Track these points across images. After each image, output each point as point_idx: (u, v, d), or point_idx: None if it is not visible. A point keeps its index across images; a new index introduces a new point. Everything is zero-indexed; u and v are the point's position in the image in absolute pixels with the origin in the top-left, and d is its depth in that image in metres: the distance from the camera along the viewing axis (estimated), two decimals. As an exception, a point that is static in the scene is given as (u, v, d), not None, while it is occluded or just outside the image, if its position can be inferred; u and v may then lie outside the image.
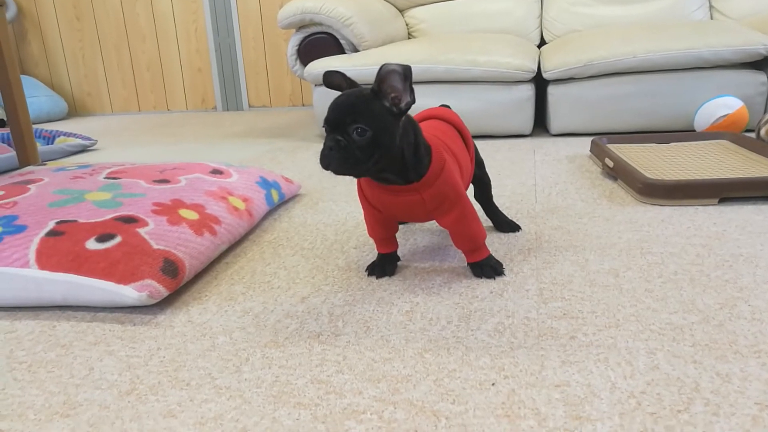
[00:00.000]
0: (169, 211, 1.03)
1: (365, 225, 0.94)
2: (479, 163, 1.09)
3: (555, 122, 2.06)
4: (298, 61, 2.30)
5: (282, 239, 1.15)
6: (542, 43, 2.64)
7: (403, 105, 0.79)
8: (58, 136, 2.21)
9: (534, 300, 0.83)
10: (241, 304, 0.87)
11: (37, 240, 0.91)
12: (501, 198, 1.33)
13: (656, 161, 1.48)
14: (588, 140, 1.98)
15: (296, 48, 2.28)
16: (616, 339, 0.72)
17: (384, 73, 0.78)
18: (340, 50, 2.28)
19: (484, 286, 0.88)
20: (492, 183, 1.13)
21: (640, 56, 1.91)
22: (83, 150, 2.32)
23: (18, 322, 0.85)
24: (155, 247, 0.91)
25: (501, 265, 0.93)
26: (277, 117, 3.08)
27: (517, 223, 1.13)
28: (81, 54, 3.58)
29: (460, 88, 2.07)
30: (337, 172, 0.79)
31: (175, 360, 0.72)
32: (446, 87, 2.08)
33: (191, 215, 1.04)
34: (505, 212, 1.19)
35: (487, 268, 0.91)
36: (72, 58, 3.60)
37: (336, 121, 0.78)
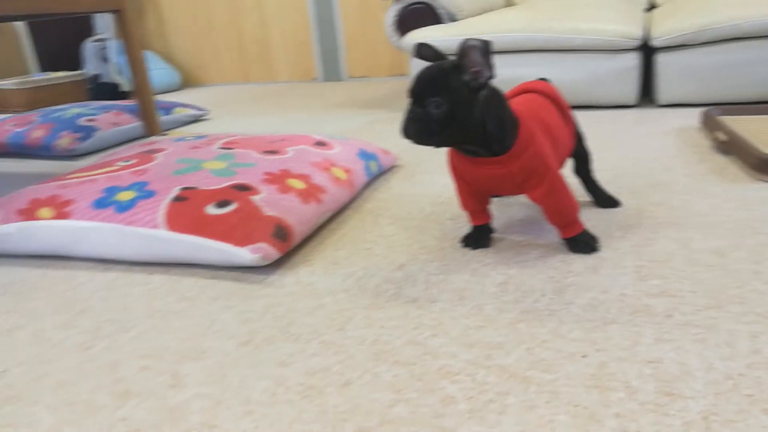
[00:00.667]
0: (279, 180, 1.11)
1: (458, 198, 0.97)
2: (579, 137, 1.09)
3: (663, 92, 1.96)
4: (396, 31, 2.32)
5: (381, 209, 1.20)
6: (651, 8, 2.50)
7: (482, 79, 0.81)
8: (175, 107, 2.38)
9: (630, 277, 0.83)
10: (344, 268, 0.93)
11: (165, 204, 1.02)
12: (601, 172, 1.31)
13: (775, 135, 1.39)
14: (698, 111, 1.87)
15: (395, 18, 2.30)
16: (716, 320, 0.71)
17: (465, 48, 0.80)
18: (438, 20, 2.27)
19: (580, 261, 0.89)
20: (592, 157, 1.12)
21: (762, 19, 1.77)
22: (196, 120, 2.49)
23: (152, 275, 0.97)
24: (267, 213, 0.99)
25: (596, 240, 0.93)
26: (376, 87, 3.13)
27: (617, 198, 1.12)
28: (193, 29, 3.80)
29: (562, 57, 2.02)
30: (415, 141, 0.83)
31: (286, 317, 0.80)
32: (546, 56, 2.03)
33: (299, 184, 1.11)
34: (605, 187, 1.18)
35: (582, 243, 0.92)
36: (185, 32, 3.82)
37: (416, 93, 0.82)
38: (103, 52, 3.69)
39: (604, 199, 1.11)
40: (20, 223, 1.06)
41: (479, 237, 0.98)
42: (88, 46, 3.48)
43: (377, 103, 2.56)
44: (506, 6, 2.69)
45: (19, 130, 2.03)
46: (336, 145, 1.36)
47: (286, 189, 1.08)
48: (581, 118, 1.89)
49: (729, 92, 1.89)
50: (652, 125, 1.74)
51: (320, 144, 1.35)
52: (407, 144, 1.74)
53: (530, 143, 0.87)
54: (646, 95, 2.19)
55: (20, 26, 3.57)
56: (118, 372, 0.70)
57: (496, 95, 0.86)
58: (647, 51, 2.04)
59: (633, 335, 0.69)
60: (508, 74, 2.04)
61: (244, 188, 1.06)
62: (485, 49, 0.79)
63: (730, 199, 1.09)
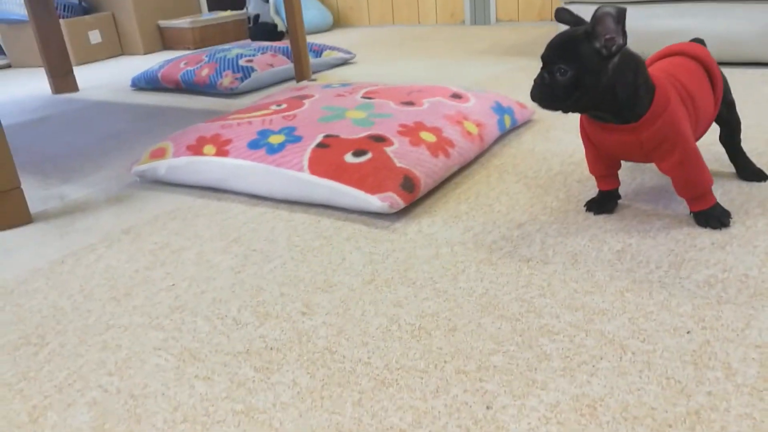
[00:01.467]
0: (412, 132, 1.17)
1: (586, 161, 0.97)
2: (729, 104, 1.02)
3: None
4: (548, -23, 2.23)
5: (508, 165, 1.22)
6: None
7: (614, 47, 0.81)
8: (325, 50, 2.51)
9: (760, 258, 0.80)
10: (464, 222, 0.99)
11: (309, 149, 1.13)
12: (752, 141, 1.22)
13: None
14: None
15: (548, -37, 2.20)
16: None
17: (598, 16, 0.80)
18: (596, -36, 2.14)
19: (706, 236, 0.87)
20: (745, 124, 1.05)
21: None
22: (345, 63, 2.60)
23: (294, 213, 1.09)
24: (398, 165, 1.07)
25: (728, 215, 0.89)
26: (524, 32, 3.03)
27: (764, 171, 1.04)
28: (347, -31, 3.88)
29: (732, 6, 1.83)
30: (540, 105, 0.86)
31: (406, 262, 0.88)
32: (713, 5, 1.85)
33: (430, 137, 1.17)
34: (754, 159, 1.11)
35: (712, 218, 0.89)
36: (339, -28, 3.92)
37: (545, 59, 0.85)
38: (263, -7, 3.91)
39: (749, 172, 1.05)
40: (188, 157, 1.23)
41: (604, 202, 0.98)
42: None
43: (522, 50, 2.50)
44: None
45: (190, 68, 2.27)
46: (471, 98, 1.39)
47: (417, 141, 1.14)
48: (746, 77, 1.73)
49: None
50: (832, 89, 1.55)
51: (456, 96, 1.38)
52: (546, 98, 1.71)
53: (663, 112, 0.85)
54: (833, 52, 1.92)
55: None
56: (261, 296, 0.83)
57: (630, 62, 0.84)
58: (840, 0, 1.78)
59: (746, 318, 0.68)
60: (670, 25, 1.90)
61: (379, 139, 1.14)
62: (619, 16, 0.79)
63: None
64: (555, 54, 0.84)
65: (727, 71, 1.36)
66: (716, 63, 0.98)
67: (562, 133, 1.38)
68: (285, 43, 2.48)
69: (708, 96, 0.96)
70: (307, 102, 1.38)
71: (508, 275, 0.82)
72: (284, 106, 1.37)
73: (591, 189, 1.06)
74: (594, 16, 0.80)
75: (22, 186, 1.16)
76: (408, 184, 1.04)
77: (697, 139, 0.96)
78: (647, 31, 1.95)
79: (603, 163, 0.97)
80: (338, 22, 4.06)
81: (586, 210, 0.99)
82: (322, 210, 1.09)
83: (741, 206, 0.95)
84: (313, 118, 1.26)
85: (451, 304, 0.76)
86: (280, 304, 0.80)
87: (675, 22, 1.91)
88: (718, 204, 0.90)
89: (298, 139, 1.17)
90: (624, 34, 0.80)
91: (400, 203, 1.01)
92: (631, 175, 1.10)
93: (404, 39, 3.18)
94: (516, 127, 1.45)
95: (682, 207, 0.96)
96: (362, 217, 1.04)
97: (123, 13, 3.59)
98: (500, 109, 1.39)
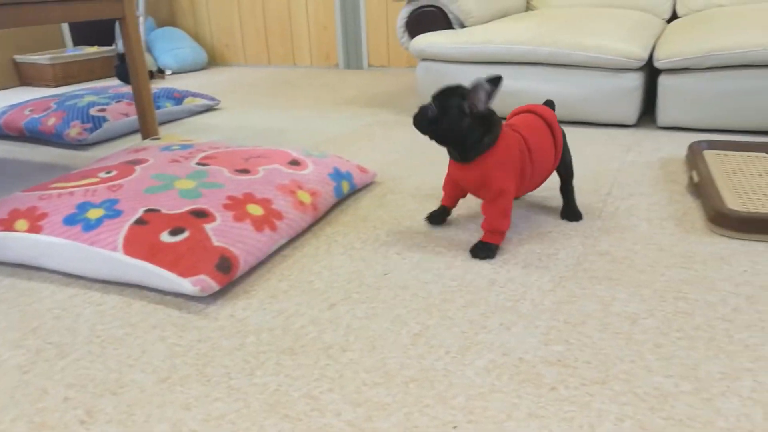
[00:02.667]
0: (238, 206, 1.17)
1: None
2: (566, 162, 1.26)
3: (663, 115, 1.93)
4: (406, 33, 2.33)
5: (339, 234, 1.25)
6: (674, 17, 2.43)
7: (474, 111, 1.07)
8: (187, 97, 2.46)
9: (538, 339, 0.86)
10: (280, 303, 0.99)
11: (126, 227, 1.09)
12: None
13: (754, 177, 1.37)
14: (697, 136, 1.84)
15: (405, 20, 2.31)
16: (593, 398, 0.74)
17: (474, 86, 1.05)
18: (448, 24, 2.27)
19: (497, 316, 0.93)
20: (573, 175, 1.29)
21: (768, 49, 1.72)
22: (208, 110, 2.56)
23: (107, 295, 1.05)
24: (215, 243, 1.05)
25: (494, 254, 1.12)
26: (393, 79, 3.14)
27: (580, 213, 1.27)
28: (221, 7, 3.85)
29: (564, 71, 1.99)
30: (414, 126, 1.12)
31: (208, 354, 0.87)
32: (549, 70, 2.01)
33: (257, 211, 1.17)
34: (561, 227, 1.21)
35: (484, 250, 1.12)
36: (214, 10, 3.88)
37: (432, 96, 1.11)
38: (133, 29, 3.78)
39: (568, 212, 1.28)
40: (-1, 233, 1.15)
41: (438, 215, 1.26)
42: (120, 23, 3.58)
43: (386, 101, 2.58)
44: (526, 8, 2.65)
45: (35, 116, 2.14)
46: (309, 164, 1.41)
47: (242, 216, 1.14)
48: (576, 135, 1.89)
49: (730, 120, 1.84)
50: (642, 152, 1.72)
51: (294, 163, 1.40)
52: (396, 156, 1.77)
53: (495, 162, 1.10)
54: (651, 113, 2.15)
55: (57, 0, 3.68)
56: (43, 401, 0.78)
57: (485, 121, 1.09)
58: (653, 70, 2.00)
59: (510, 408, 0.73)
60: (510, 86, 2.04)
61: (201, 214, 1.12)
62: (491, 91, 1.05)
63: (674, 255, 1.10)
64: (437, 96, 1.10)
65: None
66: (558, 124, 1.21)
67: (399, 197, 1.44)
68: (153, 88, 2.41)
69: (548, 149, 1.19)
70: (138, 169, 1.33)
71: (304, 367, 0.83)
72: (113, 173, 1.32)
73: (408, 263, 1.11)
74: (472, 84, 1.05)
75: None
76: (224, 264, 1.03)
77: (536, 185, 1.22)
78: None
79: (452, 187, 1.23)
80: (213, 60, 4.01)
81: (427, 220, 1.27)
82: (136, 291, 1.05)
83: (538, 279, 1.02)
84: (140, 188, 1.23)
85: (239, 405, 0.76)
86: (61, 411, 0.76)
87: (514, 83, 2.05)
88: (498, 246, 1.13)
89: (118, 213, 1.13)
90: (488, 102, 1.06)
91: (214, 286, 1.00)
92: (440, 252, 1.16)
93: (276, 82, 3.19)
94: (356, 191, 1.49)
95: (484, 283, 1.02)
96: (176, 300, 1.02)
97: (-28, 47, 3.34)
98: (338, 176, 1.42)
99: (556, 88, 2.00)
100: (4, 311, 1.01)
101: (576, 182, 1.48)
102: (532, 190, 1.23)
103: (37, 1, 1.39)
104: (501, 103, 2.06)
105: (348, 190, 1.43)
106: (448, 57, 2.13)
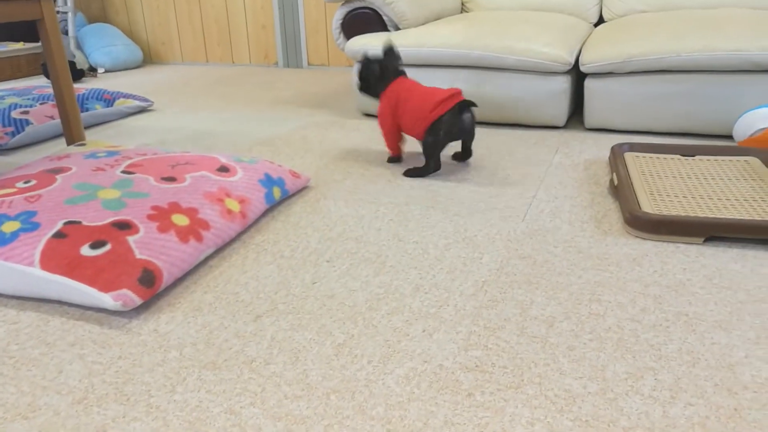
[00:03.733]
0: (163, 216, 1.15)
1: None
2: (425, 143, 1.61)
3: (590, 117, 2.01)
4: (342, 35, 2.33)
5: (269, 242, 1.25)
6: (600, 21, 2.52)
7: (377, 74, 1.69)
8: (118, 98, 2.39)
9: (458, 345, 0.89)
10: (204, 316, 0.99)
11: (44, 241, 1.06)
12: (491, 212, 1.36)
13: (669, 179, 1.44)
14: (622, 138, 1.92)
15: (340, 22, 2.31)
16: (507, 403, 0.77)
17: (363, 62, 1.74)
18: (383, 26, 2.28)
19: (419, 323, 0.95)
20: (492, 192, 1.49)
21: (683, 55, 1.81)
22: (141, 111, 2.50)
23: (23, 312, 1.01)
24: (138, 256, 1.04)
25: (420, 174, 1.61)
26: (332, 78, 3.13)
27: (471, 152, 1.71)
28: (156, 4, 3.75)
29: (495, 74, 2.04)
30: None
31: (128, 372, 0.85)
32: (480, 72, 2.06)
33: (182, 221, 1.15)
34: (486, 231, 1.25)
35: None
36: (148, 7, 3.78)
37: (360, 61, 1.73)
38: (62, 25, 3.65)
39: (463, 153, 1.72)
40: None
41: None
42: (39, 24, 3.43)
43: (323, 101, 2.58)
44: (460, 10, 2.69)
45: (-48, 119, 2.04)
46: (239, 171, 1.40)
47: (167, 227, 1.12)
48: (507, 137, 1.93)
49: (651, 122, 1.93)
50: (569, 153, 1.78)
51: (222, 170, 1.38)
52: (330, 158, 1.78)
53: (381, 100, 1.70)
54: (578, 115, 2.23)
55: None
56: (-51, 429, 0.75)
57: (393, 79, 1.69)
58: (581, 73, 2.07)
59: (427, 415, 0.75)
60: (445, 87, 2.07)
61: (124, 226, 1.10)
62: (380, 61, 1.71)
63: (591, 256, 1.15)
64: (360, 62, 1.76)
65: (492, 131, 1.53)
66: (449, 105, 1.53)
67: (331, 203, 1.44)
68: (82, 89, 2.33)
69: (418, 110, 1.57)
70: (59, 178, 1.29)
71: (227, 381, 0.82)
72: (33, 182, 1.27)
73: (338, 271, 1.11)
74: (384, 51, 1.71)
75: None
76: (147, 277, 1.01)
77: (410, 132, 1.64)
78: (426, 93, 2.11)
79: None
80: (149, 58, 3.90)
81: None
82: (56, 307, 1.02)
83: (458, 288, 1.05)
84: (60, 199, 1.19)
85: (158, 423, 0.75)
86: (-31, 439, 0.74)
87: (448, 86, 2.08)
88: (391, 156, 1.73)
89: (35, 227, 1.09)
90: (381, 68, 1.69)
91: (136, 300, 0.98)
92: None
93: (213, 82, 3.14)
94: (288, 197, 1.48)
95: (410, 289, 1.04)
96: (98, 315, 1.00)
97: None
98: (269, 182, 1.41)
99: (489, 90, 2.05)
100: None
101: (500, 189, 1.52)
102: (409, 133, 1.66)
103: (-55, 2, 1.32)
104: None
105: (280, 196, 1.43)
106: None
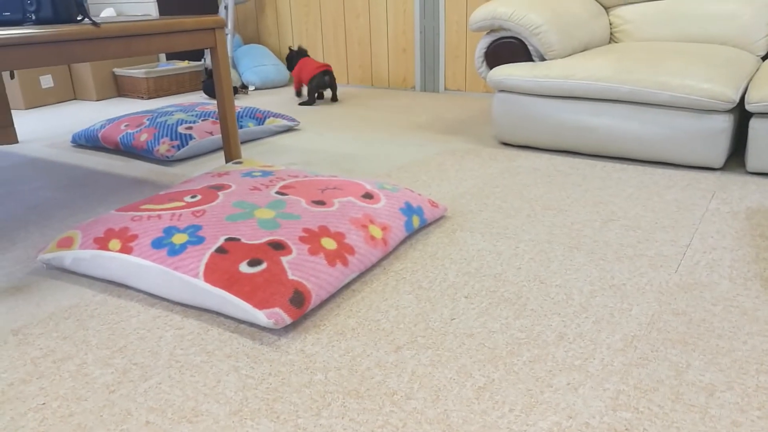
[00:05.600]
0: (313, 239, 1.21)
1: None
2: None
3: (754, 159, 1.84)
4: (484, 63, 2.34)
5: (407, 271, 1.27)
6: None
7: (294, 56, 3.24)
8: (269, 117, 2.56)
9: (606, 403, 0.85)
10: (347, 341, 1.02)
11: (208, 254, 1.15)
12: (640, 258, 1.29)
13: None
14: (789, 185, 1.75)
15: (483, 51, 2.31)
16: (662, 476, 0.72)
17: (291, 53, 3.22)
18: (528, 56, 2.26)
19: (564, 375, 0.92)
20: (640, 236, 1.34)
21: None
22: (288, 130, 2.65)
23: (186, 319, 1.11)
24: (290, 277, 1.10)
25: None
26: (467, 104, 3.14)
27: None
28: (305, 27, 3.98)
29: (646, 110, 1.94)
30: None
31: (278, 390, 0.90)
32: (630, 107, 1.96)
33: (330, 245, 1.21)
34: (635, 280, 1.19)
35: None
36: (297, 30, 4.02)
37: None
38: (221, 46, 3.97)
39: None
40: (94, 251, 1.24)
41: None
42: (211, 51, 3.76)
43: (459, 127, 2.59)
44: (609, 40, 2.59)
45: (130, 131, 2.29)
46: (382, 198, 1.44)
47: (317, 250, 1.18)
48: (655, 177, 1.83)
49: (827, 168, 1.74)
50: (727, 199, 1.65)
51: (367, 196, 1.43)
52: (467, 187, 1.78)
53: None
54: (738, 156, 2.05)
55: (152, 11, 3.91)
56: (126, 423, 0.84)
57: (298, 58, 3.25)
58: (744, 111, 1.92)
59: (573, 478, 0.72)
60: (589, 122, 2.01)
61: (278, 246, 1.17)
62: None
63: (758, 320, 1.05)
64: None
65: (638, 169, 1.47)
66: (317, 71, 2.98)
67: (468, 235, 1.44)
68: (237, 107, 2.53)
69: (306, 74, 3.13)
70: (221, 195, 1.41)
71: (369, 411, 0.85)
72: (198, 197, 1.40)
73: (476, 309, 1.11)
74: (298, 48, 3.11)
75: None
76: (298, 298, 1.07)
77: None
78: (570, 126, 2.05)
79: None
80: (295, 78, 4.13)
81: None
82: (213, 317, 1.11)
83: (605, 340, 1.00)
84: (221, 215, 1.29)
85: (305, 445, 0.79)
86: (142, 435, 0.81)
87: (594, 120, 2.01)
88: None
89: (201, 240, 1.20)
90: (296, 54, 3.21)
91: (286, 320, 1.03)
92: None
93: (354, 104, 3.26)
94: (426, 225, 1.50)
95: (553, 337, 1.01)
96: (250, 329, 1.06)
97: (77, 59, 3.60)
98: (409, 210, 1.44)
99: (637, 127, 1.95)
100: (95, 328, 1.08)
101: (649, 233, 1.43)
102: (303, 82, 3.19)
103: (143, 34, 1.49)
104: (582, 139, 2.05)
105: (418, 224, 1.45)
106: (526, 90, 2.12)
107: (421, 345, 1.00)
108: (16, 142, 2.58)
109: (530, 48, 2.24)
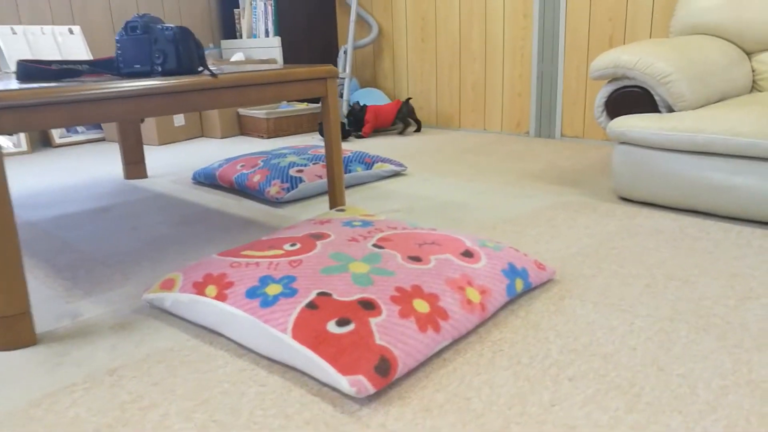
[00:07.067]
0: (405, 300, 1.15)
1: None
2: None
3: None
4: (604, 113, 2.19)
5: (506, 342, 1.17)
6: None
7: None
8: (377, 162, 2.56)
9: None
10: (433, 419, 0.94)
11: (298, 309, 1.13)
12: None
13: None
14: None
15: (604, 100, 2.17)
16: None
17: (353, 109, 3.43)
18: (654, 106, 2.09)
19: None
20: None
21: None
22: (395, 174, 2.64)
23: (271, 375, 1.08)
24: (378, 341, 1.04)
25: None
26: (585, 152, 2.98)
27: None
28: (420, 71, 4.01)
29: (795, 169, 1.71)
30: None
31: (353, 469, 0.84)
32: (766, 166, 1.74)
33: (423, 307, 1.14)
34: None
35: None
36: (413, 74, 4.06)
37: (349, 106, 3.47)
38: (339, 89, 4.10)
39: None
40: (192, 295, 1.26)
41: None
42: (322, 100, 3.89)
43: (574, 178, 2.45)
44: (750, 89, 2.35)
45: (244, 171, 2.38)
46: (483, 258, 1.35)
47: (408, 312, 1.12)
48: (803, 249, 1.59)
49: None
50: None
51: (467, 254, 1.35)
52: (580, 246, 1.64)
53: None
54: None
55: (276, 56, 4.13)
56: (196, 489, 0.81)
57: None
58: None
59: None
60: (724, 181, 1.81)
61: (369, 306, 1.12)
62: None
63: None
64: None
65: None
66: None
67: (578, 303, 1.31)
68: (348, 151, 2.57)
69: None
70: (319, 245, 1.39)
71: None
72: (297, 246, 1.39)
73: (581, 395, 0.99)
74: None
75: (49, 295, 1.23)
76: (383, 366, 1.00)
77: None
78: (702, 184, 1.85)
79: None
80: (407, 120, 4.16)
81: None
82: (298, 376, 1.07)
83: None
84: (317, 267, 1.27)
85: None
86: (209, 505, 0.78)
87: (729, 178, 1.81)
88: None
89: (293, 293, 1.17)
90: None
91: (369, 389, 0.97)
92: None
93: (463, 149, 3.20)
94: (530, 289, 1.39)
95: (671, 441, 0.87)
96: (333, 394, 1.01)
97: (207, 100, 3.86)
98: (513, 272, 1.34)
99: (783, 188, 1.72)
100: (184, 376, 1.09)
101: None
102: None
103: (257, 84, 1.54)
104: (715, 199, 1.85)
105: (522, 288, 1.34)
106: (651, 143, 1.95)
107: (514, 433, 0.90)
108: (146, 177, 2.77)
109: (656, 98, 2.07)
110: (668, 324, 1.21)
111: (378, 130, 3.81)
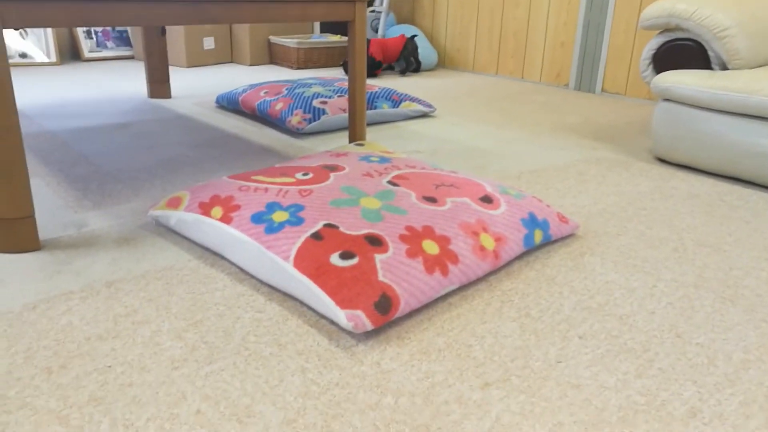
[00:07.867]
0: (414, 239, 1.09)
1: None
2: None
3: None
4: (650, 67, 2.05)
5: (516, 293, 1.11)
6: None
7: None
8: (405, 100, 2.46)
9: None
10: (430, 363, 0.90)
11: (303, 238, 1.08)
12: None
13: None
14: None
15: (652, 52, 2.03)
16: None
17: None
18: (706, 62, 1.94)
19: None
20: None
21: None
22: (423, 115, 2.55)
23: (269, 303, 1.04)
24: (380, 278, 0.99)
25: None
26: (625, 110, 2.83)
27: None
28: (460, 13, 3.83)
29: None
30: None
31: (340, 405, 0.80)
32: (831, 137, 1.61)
33: (432, 248, 1.08)
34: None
35: None
36: (453, 15, 3.88)
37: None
38: (374, 23, 3.95)
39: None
40: (197, 215, 1.22)
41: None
42: (349, 24, 3.75)
43: (610, 134, 2.33)
44: (812, 51, 2.17)
45: (268, 98, 2.31)
46: (502, 204, 1.28)
47: (415, 252, 1.06)
48: None
49: None
50: None
51: (485, 200, 1.28)
52: (606, 204, 1.56)
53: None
54: None
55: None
56: (178, 407, 0.78)
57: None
58: None
59: None
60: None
61: (375, 242, 1.07)
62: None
63: None
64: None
65: None
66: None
67: (598, 260, 1.24)
68: (375, 86, 2.47)
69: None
70: (332, 176, 1.33)
71: (435, 457, 0.72)
72: (309, 176, 1.33)
73: (590, 354, 0.93)
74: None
75: (59, 204, 1.21)
76: (384, 303, 0.96)
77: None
78: (747, 149, 1.73)
79: None
80: (443, 62, 4.02)
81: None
82: (296, 306, 1.04)
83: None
84: (327, 198, 1.21)
85: (353, 482, 0.68)
86: (189, 425, 0.76)
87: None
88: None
89: (300, 221, 1.13)
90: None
91: (367, 326, 0.93)
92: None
93: (499, 96, 3.08)
94: (550, 242, 1.32)
95: (683, 411, 0.81)
96: (330, 327, 0.98)
97: (240, 26, 3.75)
98: (533, 222, 1.27)
99: (836, 161, 1.59)
100: (180, 295, 1.06)
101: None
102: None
103: (279, 0, 1.45)
104: (760, 167, 1.73)
105: (540, 240, 1.27)
106: (698, 102, 1.82)
107: (514, 386, 0.85)
108: (169, 97, 2.72)
109: (710, 53, 1.93)
110: (692, 291, 1.14)
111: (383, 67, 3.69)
